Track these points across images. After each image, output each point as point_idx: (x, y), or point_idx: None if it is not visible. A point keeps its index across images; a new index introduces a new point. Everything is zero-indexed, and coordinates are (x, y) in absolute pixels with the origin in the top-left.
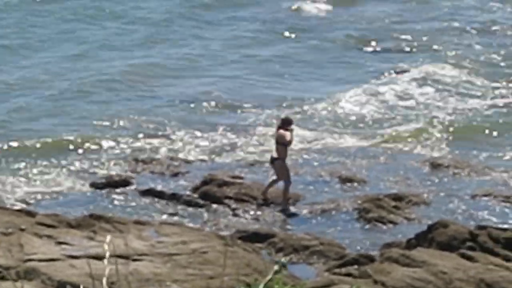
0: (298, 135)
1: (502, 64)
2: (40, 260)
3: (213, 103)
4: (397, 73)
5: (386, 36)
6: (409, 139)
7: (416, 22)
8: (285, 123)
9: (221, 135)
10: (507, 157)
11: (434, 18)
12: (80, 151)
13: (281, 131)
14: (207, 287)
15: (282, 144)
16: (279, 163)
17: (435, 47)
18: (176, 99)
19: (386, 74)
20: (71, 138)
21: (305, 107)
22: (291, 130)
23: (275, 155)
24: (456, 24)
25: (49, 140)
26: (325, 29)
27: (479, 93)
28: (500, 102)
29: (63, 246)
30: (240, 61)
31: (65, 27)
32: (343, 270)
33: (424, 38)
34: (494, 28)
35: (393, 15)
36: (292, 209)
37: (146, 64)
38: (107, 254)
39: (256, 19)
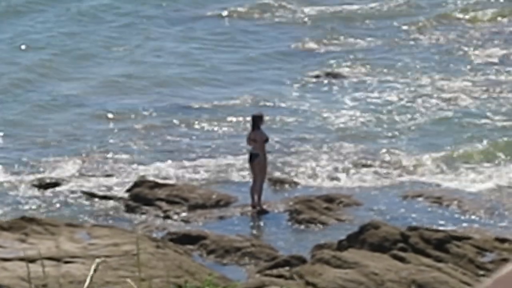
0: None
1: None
2: None
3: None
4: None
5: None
6: (338, 140)
7: None
8: (260, 120)
9: (154, 137)
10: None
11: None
12: (10, 152)
13: (260, 129)
14: None
15: (265, 141)
16: (262, 159)
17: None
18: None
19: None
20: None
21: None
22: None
23: (254, 152)
24: None
25: None
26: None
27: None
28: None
29: None
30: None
31: None
32: (275, 271)
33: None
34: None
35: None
36: (224, 211)
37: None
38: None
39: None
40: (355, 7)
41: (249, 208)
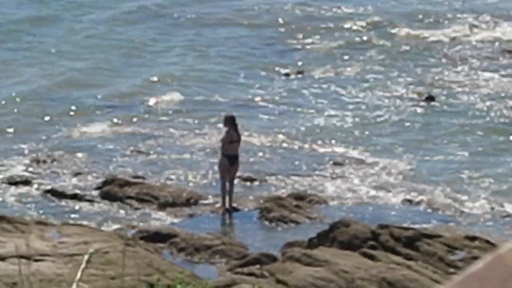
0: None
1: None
2: None
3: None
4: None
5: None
6: (311, 138)
7: None
8: (234, 121)
9: (125, 135)
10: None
11: None
12: None
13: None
14: (109, 287)
15: (239, 142)
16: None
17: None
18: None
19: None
20: None
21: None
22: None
23: (235, 154)
24: None
25: None
26: None
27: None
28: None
29: None
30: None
31: None
32: (245, 269)
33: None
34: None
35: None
36: (194, 209)
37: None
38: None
39: None
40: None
41: (218, 205)
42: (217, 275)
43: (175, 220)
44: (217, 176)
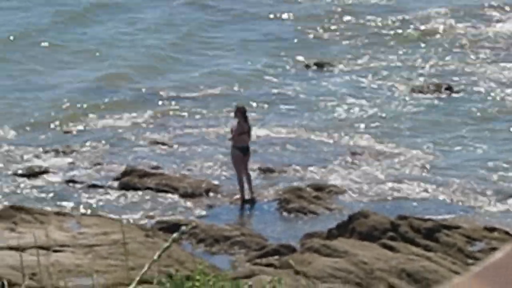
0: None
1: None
2: None
3: (131, 93)
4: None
5: None
6: (329, 129)
7: None
8: (245, 112)
9: (144, 127)
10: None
11: None
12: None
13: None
14: (128, 278)
15: (249, 133)
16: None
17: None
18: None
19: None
20: None
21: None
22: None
23: (246, 145)
24: None
25: None
26: None
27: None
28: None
29: None
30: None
31: None
32: (264, 260)
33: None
34: None
35: None
36: (213, 200)
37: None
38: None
39: None
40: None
41: (237, 197)
42: (236, 266)
43: (194, 211)
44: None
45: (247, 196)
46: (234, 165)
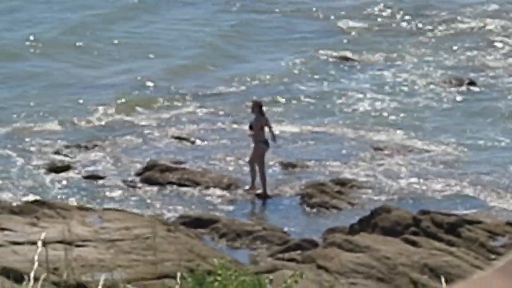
0: None
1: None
2: None
3: (153, 88)
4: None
5: None
6: (352, 124)
7: None
8: (261, 106)
9: (167, 122)
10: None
11: None
12: (21, 137)
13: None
14: (150, 272)
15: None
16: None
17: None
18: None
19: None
20: (8, 124)
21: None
22: None
23: (265, 139)
24: None
25: None
26: None
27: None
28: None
29: (6, 232)
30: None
31: None
32: (286, 255)
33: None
34: None
35: None
36: (235, 194)
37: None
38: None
39: None
40: None
41: (259, 192)
42: (258, 261)
43: (216, 206)
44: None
45: (259, 191)
46: (257, 158)
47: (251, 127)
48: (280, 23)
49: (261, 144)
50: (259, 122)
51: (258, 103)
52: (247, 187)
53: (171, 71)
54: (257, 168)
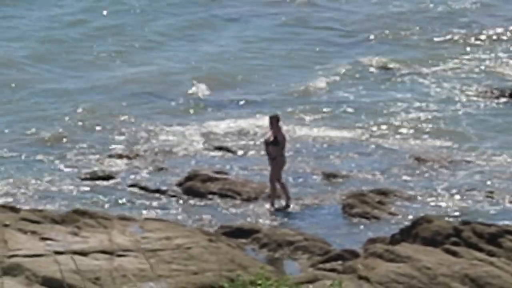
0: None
1: None
2: (25, 256)
3: (195, 101)
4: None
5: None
6: (393, 134)
7: None
8: (278, 120)
9: (206, 130)
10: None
11: None
12: (63, 146)
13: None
14: (191, 282)
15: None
16: None
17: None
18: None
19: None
20: (51, 133)
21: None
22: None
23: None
24: None
25: (29, 135)
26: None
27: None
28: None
29: (48, 241)
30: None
31: None
32: (327, 265)
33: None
34: None
35: None
36: (276, 204)
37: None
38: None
39: None
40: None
41: (302, 202)
42: (299, 271)
43: (258, 216)
44: (297, 171)
45: (277, 205)
46: (280, 171)
47: (273, 143)
48: (320, 36)
49: (284, 158)
50: (281, 135)
51: (276, 117)
52: (283, 203)
53: (214, 81)
54: (277, 184)
